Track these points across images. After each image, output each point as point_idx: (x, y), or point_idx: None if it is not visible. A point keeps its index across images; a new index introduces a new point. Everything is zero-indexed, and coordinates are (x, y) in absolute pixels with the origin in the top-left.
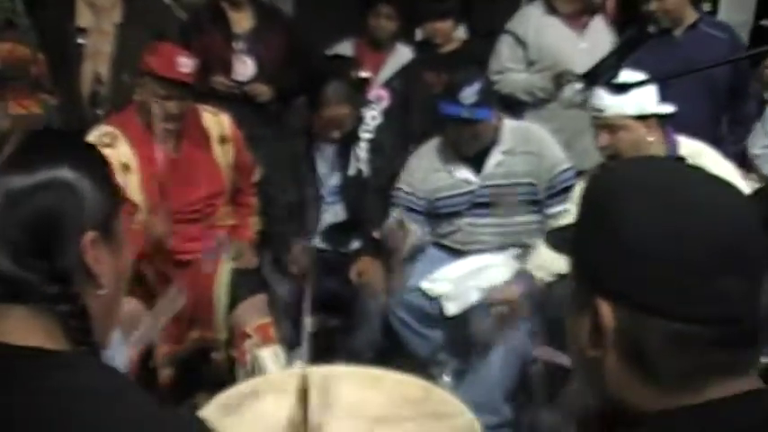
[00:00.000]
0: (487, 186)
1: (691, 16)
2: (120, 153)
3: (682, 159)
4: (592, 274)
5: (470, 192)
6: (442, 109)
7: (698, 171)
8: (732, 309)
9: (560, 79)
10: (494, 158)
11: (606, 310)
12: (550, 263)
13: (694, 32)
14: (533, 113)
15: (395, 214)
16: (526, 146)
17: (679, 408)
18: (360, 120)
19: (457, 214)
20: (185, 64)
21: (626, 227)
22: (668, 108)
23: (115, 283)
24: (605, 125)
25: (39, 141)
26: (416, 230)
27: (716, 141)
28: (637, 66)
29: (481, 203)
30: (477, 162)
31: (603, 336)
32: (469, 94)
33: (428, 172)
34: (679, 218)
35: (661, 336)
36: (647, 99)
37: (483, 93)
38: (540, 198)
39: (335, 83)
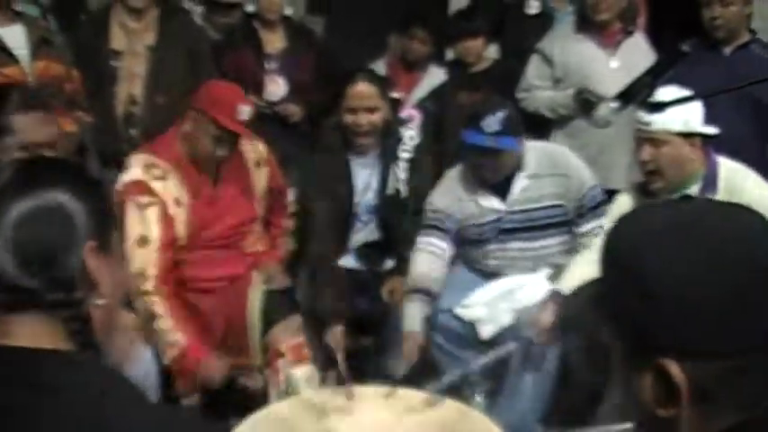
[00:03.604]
0: (514, 212)
1: (744, 35)
2: (172, 187)
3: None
4: (644, 335)
5: (497, 219)
6: (464, 137)
7: (717, 203)
8: None
9: (580, 96)
10: (519, 184)
11: (675, 368)
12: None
13: (744, 52)
14: (559, 131)
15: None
16: (553, 168)
17: (740, 423)
18: (399, 140)
19: (485, 241)
20: (245, 111)
21: (659, 280)
22: (713, 129)
23: (113, 294)
24: (649, 139)
25: (36, 167)
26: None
27: (761, 164)
28: (680, 82)
29: (508, 229)
30: (501, 188)
31: (678, 395)
32: (492, 122)
33: (453, 203)
34: (709, 256)
35: (723, 374)
36: (693, 117)
37: (507, 121)
38: (570, 218)
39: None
